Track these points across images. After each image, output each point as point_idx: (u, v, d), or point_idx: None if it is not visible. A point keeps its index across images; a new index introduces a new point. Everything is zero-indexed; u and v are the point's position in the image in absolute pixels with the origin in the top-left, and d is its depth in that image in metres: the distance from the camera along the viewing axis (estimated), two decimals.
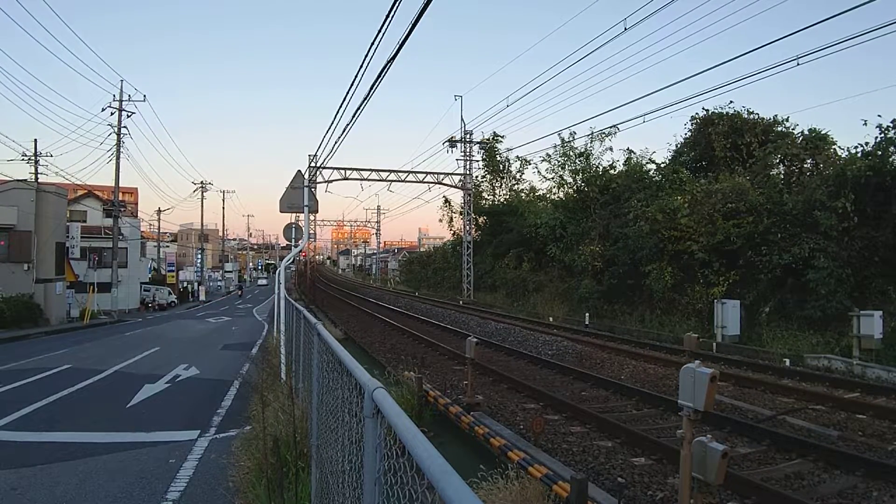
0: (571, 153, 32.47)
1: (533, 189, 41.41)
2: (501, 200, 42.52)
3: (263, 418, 5.25)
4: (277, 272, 14.56)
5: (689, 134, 27.14)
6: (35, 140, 40.70)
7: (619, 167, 29.94)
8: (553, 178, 35.39)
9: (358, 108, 10.73)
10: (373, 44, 7.92)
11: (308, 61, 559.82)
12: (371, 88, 9.53)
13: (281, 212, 13.41)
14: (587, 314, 22.00)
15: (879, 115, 20.58)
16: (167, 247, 57.41)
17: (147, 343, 18.53)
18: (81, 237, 31.61)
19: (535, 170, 77.82)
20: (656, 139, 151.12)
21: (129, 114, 32.85)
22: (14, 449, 6.84)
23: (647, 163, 28.75)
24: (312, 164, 26.95)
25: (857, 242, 16.07)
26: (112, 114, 32.37)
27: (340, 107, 11.13)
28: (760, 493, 5.23)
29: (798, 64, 13.71)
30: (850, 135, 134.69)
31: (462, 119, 60.76)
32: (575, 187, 32.13)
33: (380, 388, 1.93)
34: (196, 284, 56.74)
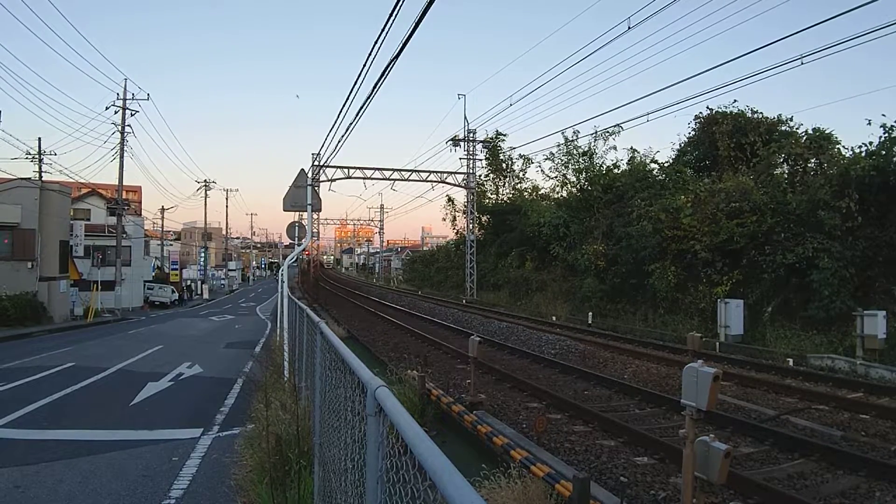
0: (575, 152, 32.45)
1: (536, 188, 41.39)
2: (505, 199, 42.46)
3: (266, 417, 5.25)
4: (280, 270, 14.58)
5: (693, 133, 27.11)
6: (39, 138, 41.00)
7: (623, 166, 29.94)
8: (556, 177, 35.43)
9: (361, 107, 10.74)
10: (376, 43, 7.92)
11: (311, 61, 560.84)
12: (374, 87, 9.53)
13: (284, 210, 13.41)
14: (590, 313, 21.99)
15: (884, 115, 20.57)
16: (171, 245, 57.42)
17: (150, 341, 18.58)
18: (85, 235, 31.69)
19: (539, 168, 77.90)
20: (660, 138, 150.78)
21: (133, 112, 32.94)
22: (17, 447, 6.87)
23: (650, 162, 28.75)
24: (316, 163, 26.89)
25: (861, 242, 16.01)
26: (116, 112, 32.45)
27: (344, 106, 11.13)
28: (763, 492, 5.22)
29: (802, 63, 13.70)
30: (854, 134, 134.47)
31: (465, 118, 60.57)
32: (578, 186, 32.12)
33: (382, 387, 1.92)
34: (199, 283, 56.89)
